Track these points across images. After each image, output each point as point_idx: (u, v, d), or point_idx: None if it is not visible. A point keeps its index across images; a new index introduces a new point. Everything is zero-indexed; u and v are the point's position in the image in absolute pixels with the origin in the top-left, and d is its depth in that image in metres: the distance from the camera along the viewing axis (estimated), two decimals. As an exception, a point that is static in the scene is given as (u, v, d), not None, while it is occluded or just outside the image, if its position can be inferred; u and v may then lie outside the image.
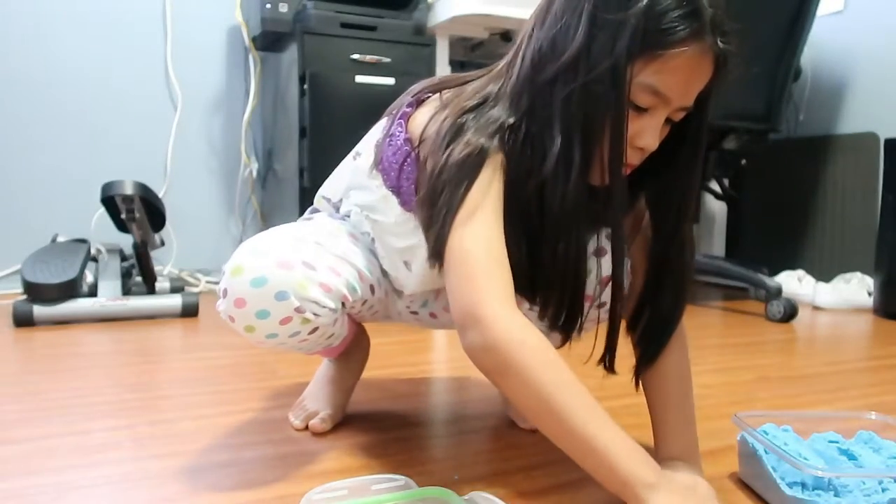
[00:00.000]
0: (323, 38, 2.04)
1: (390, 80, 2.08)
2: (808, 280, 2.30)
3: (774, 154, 2.49)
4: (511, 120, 0.69)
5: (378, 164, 0.80)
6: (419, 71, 2.14)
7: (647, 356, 0.77)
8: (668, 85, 0.64)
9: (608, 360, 0.76)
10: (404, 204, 0.78)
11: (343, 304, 0.79)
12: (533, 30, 0.70)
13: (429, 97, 0.77)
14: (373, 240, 0.85)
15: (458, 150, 0.67)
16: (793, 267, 2.41)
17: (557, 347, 0.96)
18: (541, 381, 0.62)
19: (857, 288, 2.15)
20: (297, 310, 0.73)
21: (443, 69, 2.22)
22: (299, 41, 2.03)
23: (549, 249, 0.70)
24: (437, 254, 0.68)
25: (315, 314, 0.74)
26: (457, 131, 0.69)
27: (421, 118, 0.75)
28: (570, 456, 0.63)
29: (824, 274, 2.35)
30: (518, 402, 0.65)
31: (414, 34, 2.16)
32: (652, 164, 0.71)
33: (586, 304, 0.79)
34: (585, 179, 0.67)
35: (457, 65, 2.54)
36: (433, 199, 0.68)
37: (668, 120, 0.67)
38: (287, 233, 0.79)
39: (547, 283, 0.72)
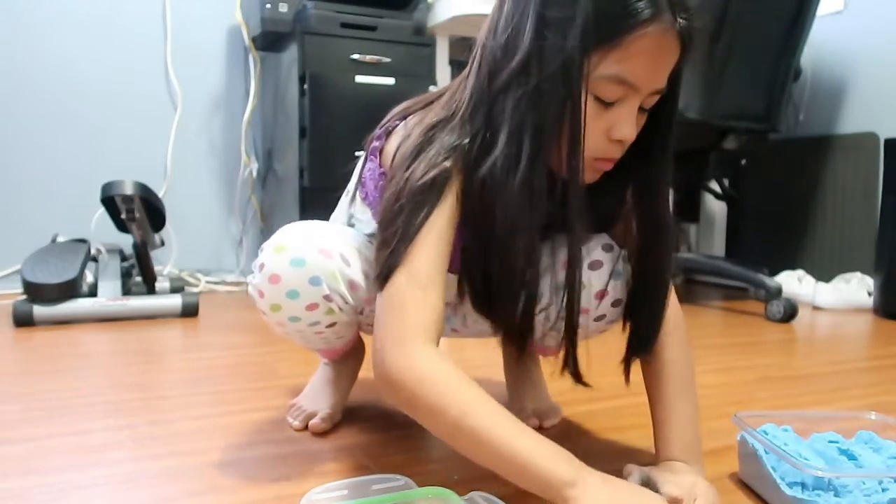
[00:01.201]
0: (323, 38, 2.04)
1: (390, 80, 2.08)
2: (808, 280, 2.30)
3: (774, 154, 2.49)
4: (467, 137, 0.68)
5: (364, 198, 0.81)
6: (419, 71, 2.14)
7: (635, 348, 0.77)
8: (634, 71, 0.62)
9: (572, 368, 0.75)
10: None
11: (363, 310, 0.81)
12: (486, 40, 0.69)
13: (397, 126, 0.77)
14: None
15: (419, 172, 0.66)
16: (793, 267, 2.41)
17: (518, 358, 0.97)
18: (445, 412, 0.60)
19: (857, 288, 2.15)
20: (326, 298, 0.75)
21: (442, 69, 2.22)
22: (299, 41, 2.03)
23: (497, 259, 0.69)
24: (383, 279, 0.66)
25: (339, 308, 0.77)
26: (419, 149, 0.68)
27: (390, 148, 0.74)
28: (499, 473, 0.60)
29: (824, 274, 2.34)
30: (432, 432, 0.63)
31: (414, 34, 2.16)
32: (627, 154, 0.69)
33: (583, 317, 0.79)
34: (530, 184, 0.65)
35: (456, 65, 2.54)
36: (389, 223, 0.66)
37: (641, 108, 0.66)
38: (331, 225, 0.81)
39: (501, 297, 0.71)
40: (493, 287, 0.72)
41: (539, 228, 0.67)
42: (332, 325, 0.79)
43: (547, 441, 0.60)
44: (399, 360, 0.62)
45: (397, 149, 0.71)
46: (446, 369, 0.62)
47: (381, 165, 0.77)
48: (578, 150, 0.63)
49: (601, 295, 0.79)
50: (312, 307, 0.76)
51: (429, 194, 0.66)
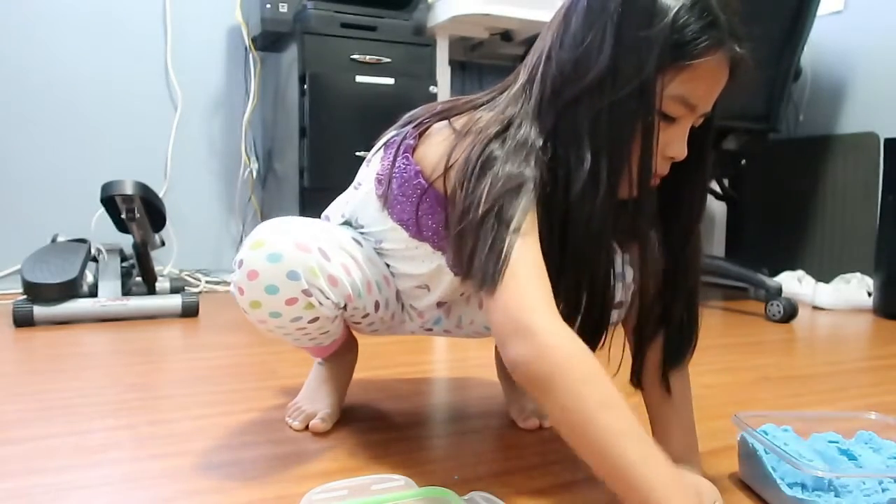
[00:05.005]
0: (323, 38, 2.04)
1: (390, 80, 2.08)
2: (808, 280, 2.30)
3: (774, 154, 2.49)
4: (539, 141, 0.69)
5: (381, 195, 0.80)
6: (419, 71, 2.14)
7: (672, 360, 0.77)
8: (697, 93, 0.65)
9: (636, 376, 0.78)
10: (418, 235, 0.78)
11: (346, 305, 0.80)
12: (551, 51, 0.69)
13: (431, 126, 0.76)
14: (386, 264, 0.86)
15: (496, 179, 0.66)
16: (793, 267, 2.41)
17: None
18: (583, 399, 0.58)
19: (857, 288, 2.15)
20: (305, 292, 0.75)
21: (443, 69, 2.22)
22: (299, 41, 2.03)
23: (575, 268, 0.69)
24: (491, 282, 0.64)
25: (320, 302, 0.77)
26: (487, 159, 0.67)
27: (434, 150, 0.73)
28: (606, 482, 0.59)
29: (824, 274, 2.34)
30: (557, 419, 0.61)
31: (414, 34, 2.16)
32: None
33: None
34: (612, 198, 0.67)
35: (457, 65, 2.54)
36: (478, 231, 0.65)
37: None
38: (313, 222, 0.81)
39: (575, 298, 0.72)
40: (565, 289, 0.70)
41: (615, 241, 0.71)
42: (314, 319, 0.79)
43: (671, 467, 0.57)
44: (548, 333, 0.61)
45: (449, 151, 0.70)
46: (590, 354, 0.61)
47: (415, 164, 0.76)
48: (651, 164, 0.66)
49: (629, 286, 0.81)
50: (292, 301, 0.75)
51: (513, 192, 0.65)
